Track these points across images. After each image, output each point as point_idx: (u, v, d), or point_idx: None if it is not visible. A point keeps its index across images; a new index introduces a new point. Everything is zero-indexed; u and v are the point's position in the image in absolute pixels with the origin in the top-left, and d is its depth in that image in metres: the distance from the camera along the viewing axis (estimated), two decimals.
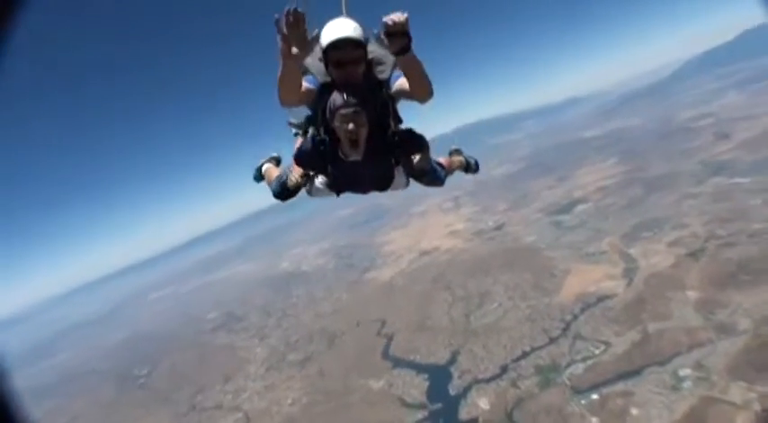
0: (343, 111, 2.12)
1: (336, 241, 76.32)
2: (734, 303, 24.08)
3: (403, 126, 2.42)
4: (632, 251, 34.24)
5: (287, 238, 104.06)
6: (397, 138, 2.35)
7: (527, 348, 27.50)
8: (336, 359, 35.07)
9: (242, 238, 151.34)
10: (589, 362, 24.36)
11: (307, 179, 2.71)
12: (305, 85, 2.20)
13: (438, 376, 28.44)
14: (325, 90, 2.22)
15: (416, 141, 2.45)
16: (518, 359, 26.92)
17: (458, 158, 3.36)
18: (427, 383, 28.20)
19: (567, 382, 23.50)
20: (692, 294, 26.34)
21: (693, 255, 30.02)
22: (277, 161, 3.49)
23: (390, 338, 35.22)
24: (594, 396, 22.08)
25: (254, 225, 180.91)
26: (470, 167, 3.43)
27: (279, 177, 2.85)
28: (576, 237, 40.91)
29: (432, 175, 2.84)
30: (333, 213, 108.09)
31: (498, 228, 52.50)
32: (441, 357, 30.25)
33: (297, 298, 53.09)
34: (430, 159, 2.67)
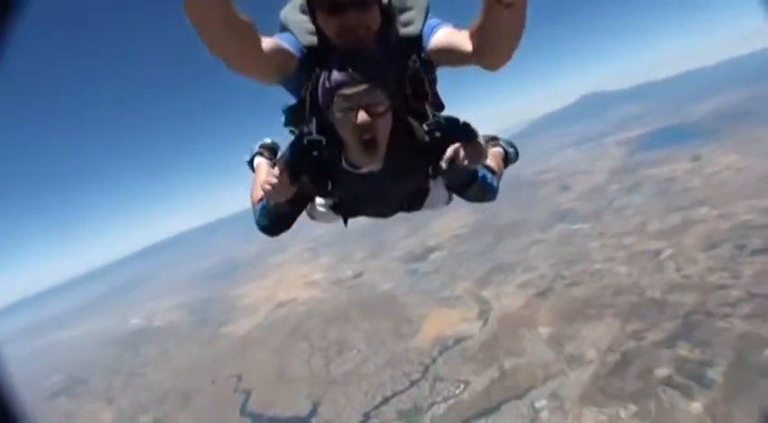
0: (346, 90, 2.15)
1: (191, 295, 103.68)
2: (581, 336, 39.50)
3: (443, 113, 2.62)
4: (486, 294, 51.56)
5: (137, 293, 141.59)
6: (436, 133, 2.46)
7: (388, 393, 40.05)
8: (192, 419, 48.01)
9: (88, 293, 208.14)
10: (450, 401, 36.56)
11: (301, 201, 2.99)
12: (273, 42, 2.22)
13: None
14: (311, 58, 2.31)
15: (465, 137, 2.50)
16: (380, 405, 39.17)
17: (497, 150, 3.54)
18: None
19: None
20: (543, 330, 41.34)
21: (542, 294, 47.28)
22: (269, 150, 3.73)
23: (248, 394, 48.57)
24: None
25: (102, 278, 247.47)
26: (510, 160, 3.65)
27: (264, 203, 3.10)
28: (431, 283, 60.92)
29: (483, 185, 3.07)
30: (187, 265, 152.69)
31: (356, 277, 75.12)
32: (301, 409, 42.64)
33: (148, 356, 70.49)
34: (481, 161, 2.63)
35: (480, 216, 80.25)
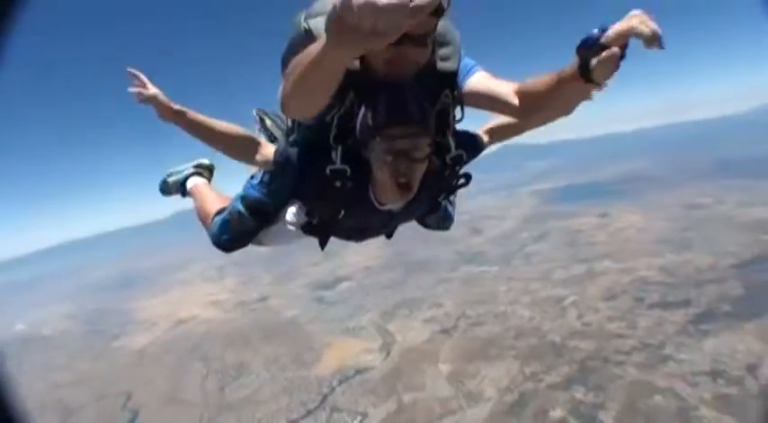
0: (394, 131, 2.17)
1: (85, 304, 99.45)
2: (481, 374, 40.68)
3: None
4: (390, 327, 52.23)
5: (25, 297, 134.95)
6: (458, 164, 2.60)
7: (283, 421, 39.75)
8: None
9: None
10: None
11: (271, 216, 3.10)
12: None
13: None
14: (347, 82, 2.00)
15: (474, 156, 2.82)
16: None
17: None
18: None
19: None
20: (444, 367, 42.15)
21: (446, 331, 48.41)
22: (208, 171, 4.06)
23: (136, 413, 46.72)
24: None
25: None
26: None
27: (225, 216, 3.29)
28: (337, 312, 61.64)
29: (446, 214, 3.39)
30: (84, 273, 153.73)
31: (261, 300, 75.82)
32: None
33: (30, 365, 64.74)
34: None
35: (392, 250, 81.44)
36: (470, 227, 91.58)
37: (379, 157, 2.23)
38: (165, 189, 4.11)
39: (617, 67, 1.81)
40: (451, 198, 3.33)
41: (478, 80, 2.49)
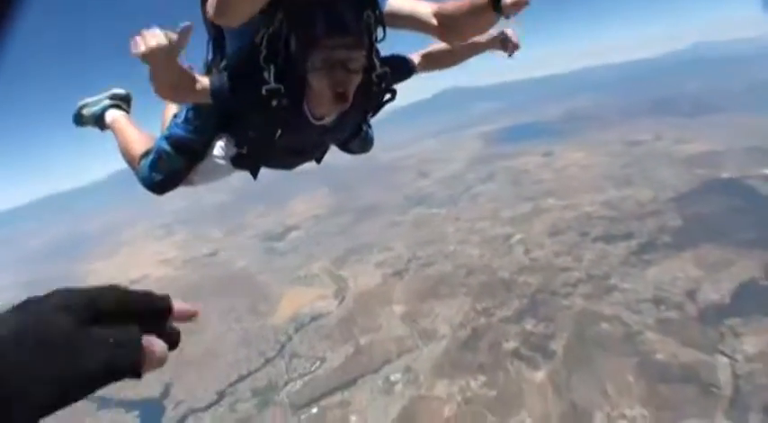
0: (331, 42, 2.26)
1: (31, 272, 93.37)
2: (435, 313, 41.68)
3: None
4: (343, 273, 53.17)
5: None
6: (384, 80, 2.62)
7: (243, 372, 40.49)
8: None
9: None
10: (306, 378, 37.70)
11: (201, 152, 3.05)
12: None
13: (150, 411, 39.58)
14: (277, 5, 2.25)
15: (407, 76, 2.99)
16: (235, 383, 39.64)
17: None
18: (138, 420, 39.36)
19: (286, 400, 36.08)
20: (398, 308, 43.25)
21: (398, 274, 49.52)
22: (125, 102, 3.89)
23: None
24: (314, 410, 34.36)
25: None
26: None
27: (153, 158, 3.18)
28: (288, 262, 62.51)
29: (367, 136, 3.41)
30: (25, 240, 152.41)
31: (211, 255, 76.26)
32: (152, 391, 41.11)
33: None
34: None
35: (339, 197, 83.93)
36: (417, 170, 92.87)
37: (317, 68, 2.30)
38: (80, 120, 3.91)
39: (524, 5, 2.26)
40: (369, 120, 3.30)
41: (400, 1, 2.62)
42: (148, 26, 2.00)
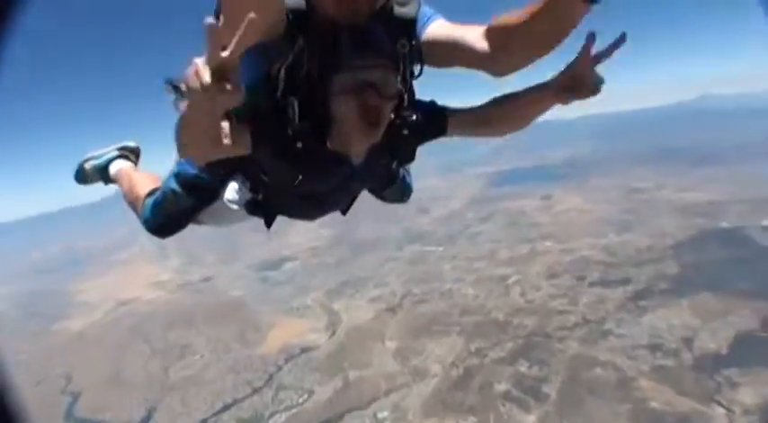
0: (364, 61, 1.92)
1: (23, 286, 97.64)
2: (427, 351, 41.34)
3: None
4: (336, 306, 52.78)
5: None
6: (416, 120, 2.28)
7: (229, 401, 39.89)
8: None
9: None
10: (293, 411, 37.15)
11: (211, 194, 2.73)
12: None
13: None
14: (296, 31, 1.94)
15: (440, 126, 2.56)
16: (219, 412, 39.08)
17: None
18: None
19: None
20: (390, 344, 42.88)
21: (392, 310, 49.21)
22: (134, 155, 3.75)
23: (77, 396, 45.70)
24: None
25: None
26: None
27: (158, 197, 2.94)
28: (282, 292, 62.16)
29: (403, 185, 3.22)
30: (21, 254, 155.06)
31: (205, 280, 76.11)
32: (135, 415, 40.84)
33: None
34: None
35: (337, 230, 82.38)
36: (418, 207, 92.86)
37: (344, 91, 1.93)
38: (82, 177, 3.77)
39: None
40: (407, 166, 3.07)
41: (439, 28, 2.20)
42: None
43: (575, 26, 1.86)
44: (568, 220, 66.75)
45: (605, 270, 47.64)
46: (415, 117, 2.25)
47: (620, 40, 1.99)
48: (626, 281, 44.72)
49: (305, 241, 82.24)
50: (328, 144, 2.12)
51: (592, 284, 45.45)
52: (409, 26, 2.15)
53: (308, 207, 2.75)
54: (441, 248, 66.26)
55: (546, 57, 2.02)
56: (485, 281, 51.40)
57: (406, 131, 2.25)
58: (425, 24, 2.20)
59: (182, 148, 1.90)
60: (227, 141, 1.58)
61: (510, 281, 49.87)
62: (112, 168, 3.62)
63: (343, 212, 3.05)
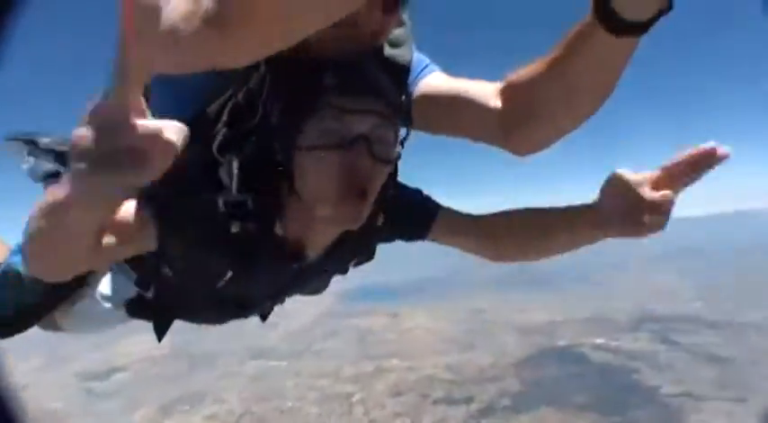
0: (353, 103, 1.27)
1: None
2: None
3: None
4: None
5: None
6: (399, 209, 1.67)
7: None
8: None
9: None
10: None
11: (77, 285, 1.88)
12: None
13: None
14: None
15: (422, 225, 1.86)
16: None
17: None
18: None
19: None
20: None
21: None
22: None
23: None
24: None
25: None
26: None
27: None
28: (108, 405, 57.02)
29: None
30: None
31: (20, 389, 62.46)
32: None
33: None
34: None
35: (178, 340, 77.53)
36: (267, 321, 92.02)
37: (322, 145, 1.28)
38: None
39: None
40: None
41: (438, 80, 1.64)
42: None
43: (620, 72, 1.25)
44: (414, 337, 67.70)
45: (449, 388, 47.93)
46: (397, 203, 1.61)
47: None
48: (469, 399, 45.13)
49: (141, 351, 75.68)
50: (277, 229, 1.45)
51: (436, 402, 45.34)
52: (401, 72, 1.56)
53: (221, 311, 1.92)
54: (284, 364, 64.75)
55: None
56: (328, 399, 49.91)
57: (380, 221, 1.56)
58: (420, 75, 1.64)
59: (38, 257, 1.19)
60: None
61: (354, 398, 48.68)
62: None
63: (263, 318, 2.27)
